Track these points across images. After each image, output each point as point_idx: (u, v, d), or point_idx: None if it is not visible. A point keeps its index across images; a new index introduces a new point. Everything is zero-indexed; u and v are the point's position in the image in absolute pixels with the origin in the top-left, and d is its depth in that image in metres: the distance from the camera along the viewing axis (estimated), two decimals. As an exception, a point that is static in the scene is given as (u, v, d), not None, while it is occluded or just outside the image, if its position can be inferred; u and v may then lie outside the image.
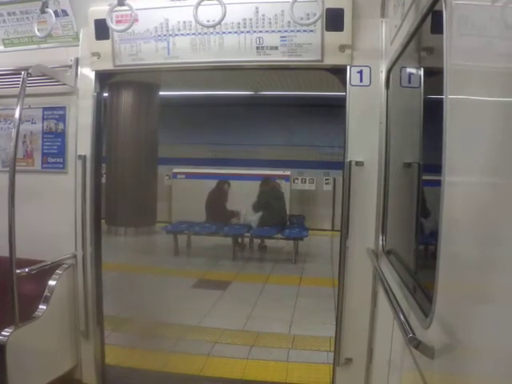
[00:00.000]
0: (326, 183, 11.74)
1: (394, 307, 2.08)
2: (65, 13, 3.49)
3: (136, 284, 6.24)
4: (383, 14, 3.16)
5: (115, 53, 3.41)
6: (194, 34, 3.26)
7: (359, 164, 3.14)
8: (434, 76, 2.51)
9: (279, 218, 9.92)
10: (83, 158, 3.53)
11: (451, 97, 1.54)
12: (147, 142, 9.87)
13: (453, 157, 1.50)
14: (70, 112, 3.65)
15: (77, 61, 3.58)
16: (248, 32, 3.20)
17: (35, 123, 3.73)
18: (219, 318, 5.42)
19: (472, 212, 1.33)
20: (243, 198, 10.19)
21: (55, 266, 3.49)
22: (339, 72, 3.25)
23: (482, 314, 1.20)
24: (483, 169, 1.27)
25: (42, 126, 3.72)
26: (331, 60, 3.17)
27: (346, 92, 3.20)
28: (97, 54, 3.47)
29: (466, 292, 1.35)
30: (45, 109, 3.71)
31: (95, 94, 3.56)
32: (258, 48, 3.22)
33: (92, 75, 3.56)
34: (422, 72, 2.75)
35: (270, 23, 3.16)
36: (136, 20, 3.11)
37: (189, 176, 12.10)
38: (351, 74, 3.17)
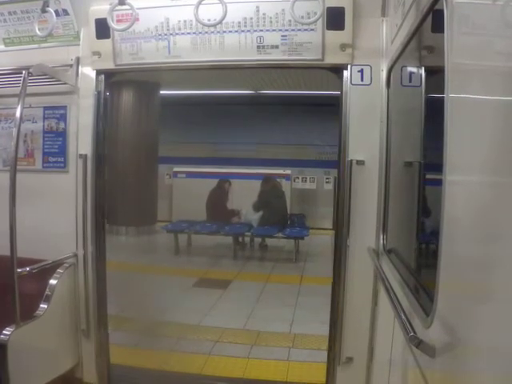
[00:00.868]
0: (327, 182, 11.74)
1: (395, 306, 2.08)
2: (65, 12, 3.49)
3: (136, 283, 6.24)
4: (384, 13, 3.16)
5: (116, 52, 3.41)
6: (194, 33, 3.26)
7: (360, 163, 3.15)
8: (435, 75, 2.51)
9: (280, 217, 9.92)
10: (84, 158, 3.53)
11: (452, 96, 1.54)
12: (148, 141, 9.86)
13: (454, 156, 1.50)
14: (70, 111, 3.65)
15: (77, 60, 3.58)
16: (249, 31, 3.20)
17: (36, 122, 3.73)
18: (220, 316, 5.43)
19: (473, 211, 1.33)
20: (244, 197, 10.18)
21: (56, 265, 3.50)
22: (340, 71, 3.25)
23: (484, 313, 1.20)
24: (484, 168, 1.27)
25: (43, 126, 3.72)
26: (332, 59, 3.17)
27: (347, 91, 3.20)
28: (97, 53, 3.46)
29: (467, 291, 1.35)
30: (46, 108, 3.71)
31: (96, 93, 3.56)
32: (258, 47, 3.22)
33: (93, 74, 3.56)
34: (422, 71, 2.75)
35: (270, 22, 3.16)
36: (137, 19, 3.11)
37: (189, 175, 12.10)
38: (352, 73, 3.17)
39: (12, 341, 2.97)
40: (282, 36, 3.17)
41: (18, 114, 3.08)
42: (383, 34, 3.15)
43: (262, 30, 3.18)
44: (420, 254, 2.63)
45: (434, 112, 2.36)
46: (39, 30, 3.22)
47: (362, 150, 3.16)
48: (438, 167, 1.64)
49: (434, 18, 2.04)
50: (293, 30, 3.14)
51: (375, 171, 3.15)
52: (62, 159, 3.68)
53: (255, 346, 4.51)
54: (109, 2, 3.11)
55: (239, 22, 3.19)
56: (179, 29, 3.28)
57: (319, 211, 11.59)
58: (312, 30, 3.11)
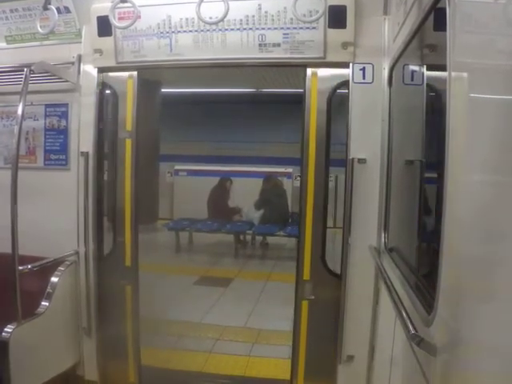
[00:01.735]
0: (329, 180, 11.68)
1: (396, 304, 2.08)
2: (67, 10, 3.49)
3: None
4: (386, 12, 3.15)
5: (117, 49, 3.41)
6: (196, 30, 3.26)
7: (361, 161, 3.15)
8: (437, 73, 2.51)
9: (281, 216, 9.90)
10: (85, 155, 3.53)
11: (454, 94, 1.54)
12: (149, 139, 9.84)
13: (455, 154, 1.50)
14: (72, 109, 3.66)
15: (79, 58, 3.58)
16: (250, 29, 3.20)
17: (37, 120, 3.73)
18: (221, 314, 5.43)
19: (474, 209, 1.33)
20: (245, 195, 10.17)
21: (57, 262, 3.50)
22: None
23: (485, 312, 1.20)
24: (486, 166, 1.27)
25: (45, 123, 3.72)
26: (334, 57, 3.17)
27: (348, 89, 3.20)
28: (99, 51, 3.46)
29: (469, 289, 1.35)
30: (47, 106, 3.71)
31: (97, 90, 3.56)
32: (260, 45, 3.21)
33: (94, 72, 3.56)
34: (424, 69, 2.74)
35: (272, 20, 3.16)
36: (138, 17, 3.11)
37: (190, 173, 12.07)
38: (354, 72, 3.17)
39: (13, 338, 2.98)
40: (284, 34, 3.17)
41: (19, 111, 3.08)
42: (385, 33, 3.14)
43: (263, 28, 3.18)
44: (421, 253, 2.62)
45: (436, 110, 2.36)
46: (41, 27, 3.21)
47: (364, 149, 3.16)
48: (439, 166, 1.64)
49: (436, 17, 2.04)
50: (295, 28, 3.14)
51: (377, 169, 3.15)
52: (64, 157, 3.68)
53: (256, 343, 4.52)
54: (111, 0, 3.11)
55: (241, 20, 3.18)
56: (181, 26, 3.27)
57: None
58: (314, 28, 3.11)
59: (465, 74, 1.51)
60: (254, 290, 6.39)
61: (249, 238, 9.79)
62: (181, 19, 3.26)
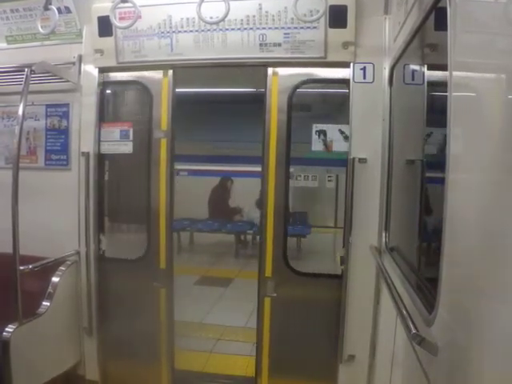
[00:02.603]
0: (329, 180, 11.70)
1: (398, 304, 2.08)
2: (68, 10, 3.50)
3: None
4: (387, 11, 3.16)
5: (118, 49, 3.42)
6: (197, 30, 3.27)
7: (362, 161, 3.15)
8: (438, 73, 2.51)
9: (282, 215, 9.88)
10: (86, 155, 3.53)
11: (455, 94, 1.54)
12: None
13: (456, 154, 1.50)
14: (73, 109, 3.66)
15: (80, 58, 3.59)
16: (251, 29, 3.20)
17: (38, 120, 3.74)
18: (222, 314, 5.43)
19: (476, 208, 1.33)
20: (246, 195, 10.17)
21: (58, 262, 3.51)
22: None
23: (486, 311, 1.20)
24: (487, 166, 1.27)
25: (46, 123, 3.73)
26: (334, 57, 3.17)
27: (349, 89, 3.20)
28: (100, 51, 3.47)
29: (470, 289, 1.34)
30: (48, 106, 3.71)
31: (98, 90, 3.56)
32: (261, 45, 3.22)
33: (95, 72, 3.56)
34: (425, 69, 2.74)
35: (273, 20, 3.16)
36: (139, 17, 3.11)
37: (191, 173, 12.07)
38: (354, 71, 3.17)
39: (14, 338, 2.98)
40: (285, 34, 3.17)
41: (20, 111, 3.08)
42: (386, 32, 3.15)
43: (264, 28, 3.18)
44: (422, 252, 2.62)
45: (437, 110, 2.36)
46: (42, 27, 3.21)
47: (365, 148, 3.16)
48: (440, 165, 1.64)
49: (437, 16, 2.04)
50: (295, 27, 3.14)
51: (377, 169, 3.15)
52: (65, 157, 3.68)
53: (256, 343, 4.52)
54: (111, 0, 3.11)
55: (242, 20, 3.19)
56: (182, 26, 3.28)
57: (321, 209, 11.54)
58: (315, 27, 3.11)
59: (466, 74, 1.51)
60: (254, 290, 6.38)
61: (249, 237, 9.79)
62: (181, 19, 3.26)
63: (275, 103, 3.38)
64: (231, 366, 4.04)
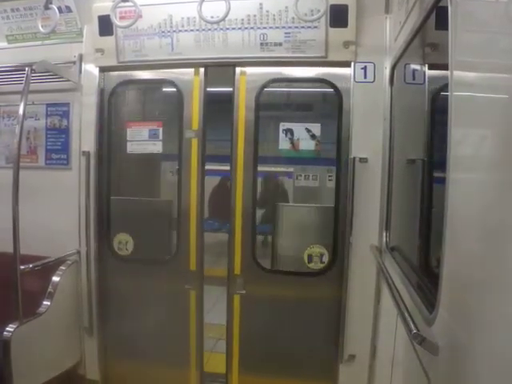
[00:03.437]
0: (329, 180, 11.69)
1: (398, 304, 2.08)
2: (68, 9, 3.50)
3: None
4: (387, 10, 3.15)
5: (119, 49, 3.42)
6: (197, 30, 3.26)
7: (363, 160, 3.14)
8: (439, 72, 2.51)
9: (282, 215, 9.87)
10: (87, 154, 3.53)
11: (456, 93, 1.54)
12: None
13: (457, 153, 1.50)
14: (73, 108, 3.66)
15: (80, 57, 3.59)
16: (252, 28, 3.20)
17: (39, 119, 3.74)
18: (222, 314, 5.41)
19: (477, 208, 1.33)
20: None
21: (59, 262, 3.51)
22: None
23: (487, 311, 1.20)
24: (487, 165, 1.27)
25: (46, 123, 3.73)
26: (335, 56, 3.17)
27: (350, 88, 3.20)
28: (100, 51, 3.47)
29: (471, 289, 1.34)
30: (48, 105, 3.71)
31: (99, 90, 3.56)
32: (261, 44, 3.21)
33: (96, 71, 3.56)
34: (426, 68, 2.74)
35: (274, 19, 3.16)
36: (140, 16, 3.10)
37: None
38: (355, 71, 3.17)
39: (15, 338, 2.98)
40: (286, 33, 3.17)
41: (20, 111, 3.08)
42: (387, 32, 3.14)
43: (265, 28, 3.18)
44: (423, 252, 2.62)
45: (438, 109, 2.36)
46: (42, 26, 3.21)
47: (365, 148, 3.16)
48: (441, 165, 1.64)
49: (438, 15, 2.04)
50: (296, 27, 3.14)
51: (378, 169, 3.14)
52: (65, 156, 3.68)
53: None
54: (112, -1, 3.12)
55: (242, 19, 3.18)
56: (182, 26, 3.27)
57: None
58: (315, 27, 3.11)
59: (466, 73, 1.51)
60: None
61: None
62: (182, 18, 3.26)
63: (243, 103, 3.41)
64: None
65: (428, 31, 2.36)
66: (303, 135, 3.37)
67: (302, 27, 3.13)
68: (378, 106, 3.14)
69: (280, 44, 3.20)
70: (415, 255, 2.64)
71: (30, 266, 3.14)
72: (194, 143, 3.49)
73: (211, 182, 10.49)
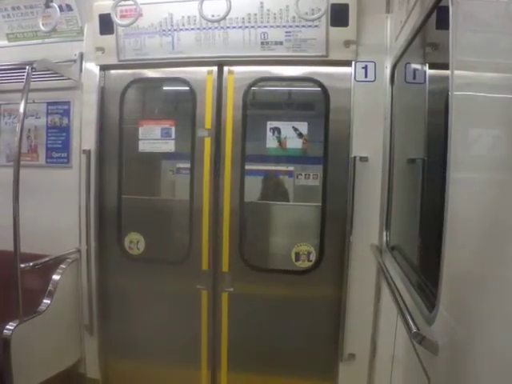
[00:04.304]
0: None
1: (398, 303, 2.08)
2: (69, 7, 3.50)
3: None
4: (388, 10, 3.15)
5: (119, 47, 3.41)
6: (198, 28, 3.26)
7: (363, 159, 3.14)
8: (439, 72, 2.51)
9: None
10: (87, 153, 3.53)
11: (456, 93, 1.54)
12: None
13: (457, 153, 1.50)
14: (74, 107, 3.66)
15: (81, 55, 3.59)
16: (253, 27, 3.19)
17: (39, 118, 3.73)
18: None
19: (477, 207, 1.33)
20: (246, 193, 10.15)
21: (59, 260, 3.50)
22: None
23: (487, 310, 1.20)
24: (488, 165, 1.27)
25: (47, 121, 3.73)
26: (336, 55, 3.17)
27: (351, 87, 3.19)
28: (101, 49, 3.47)
29: (471, 288, 1.34)
30: (49, 103, 3.71)
31: (99, 88, 3.56)
32: (262, 43, 3.21)
33: (96, 70, 3.55)
34: (426, 68, 2.74)
35: (274, 18, 3.15)
36: (140, 15, 3.10)
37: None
38: (356, 70, 3.17)
39: (15, 336, 2.98)
40: (286, 32, 3.17)
41: (21, 109, 3.08)
42: (387, 31, 3.14)
43: (266, 26, 3.18)
44: (423, 251, 2.62)
45: (438, 109, 2.36)
46: (43, 25, 3.22)
47: (366, 147, 3.16)
48: (441, 164, 1.64)
49: (439, 15, 2.04)
50: (297, 26, 3.14)
51: (379, 168, 3.14)
52: (66, 155, 3.68)
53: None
54: (113, -2, 3.11)
55: (243, 18, 3.18)
56: (183, 24, 3.27)
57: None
58: (316, 26, 3.11)
59: (467, 73, 1.51)
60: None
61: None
62: (183, 17, 3.26)
63: (231, 101, 3.42)
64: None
65: (429, 31, 2.36)
66: (290, 134, 3.41)
67: (303, 26, 3.13)
68: (378, 105, 3.14)
69: (281, 43, 3.20)
70: (415, 254, 2.64)
71: (31, 264, 3.14)
72: (207, 142, 3.48)
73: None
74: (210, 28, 3.24)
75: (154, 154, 3.69)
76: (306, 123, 3.39)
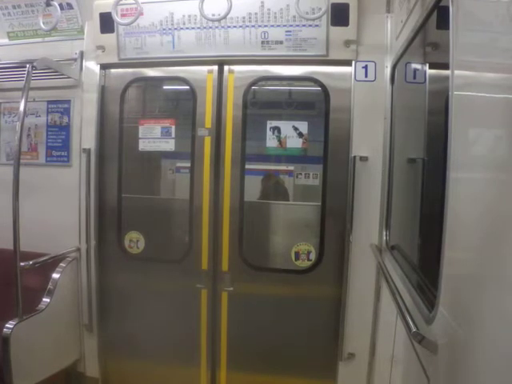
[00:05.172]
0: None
1: (398, 302, 2.08)
2: (70, 6, 3.50)
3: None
4: (389, 9, 3.15)
5: (120, 46, 3.41)
6: (199, 27, 3.26)
7: (363, 159, 3.14)
8: (439, 72, 2.51)
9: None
10: (87, 152, 3.53)
11: (457, 93, 1.54)
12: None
13: (457, 152, 1.50)
14: (74, 105, 3.66)
15: (81, 54, 3.59)
16: (253, 26, 3.19)
17: (40, 116, 3.73)
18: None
19: (476, 207, 1.33)
20: (246, 192, 10.14)
21: (59, 259, 3.50)
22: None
23: (486, 310, 1.20)
24: (487, 164, 1.27)
25: (47, 120, 3.73)
26: (336, 55, 3.17)
27: (351, 87, 3.19)
28: (101, 48, 3.47)
29: (470, 287, 1.35)
30: (49, 102, 3.71)
31: (100, 87, 3.56)
32: (263, 42, 3.21)
33: (97, 68, 3.55)
34: (427, 67, 2.74)
35: (275, 18, 3.15)
36: (141, 13, 3.11)
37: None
38: (356, 69, 3.17)
39: (14, 334, 2.98)
40: (287, 32, 3.17)
41: (21, 107, 3.07)
42: (388, 31, 3.14)
43: (266, 26, 3.18)
44: (423, 251, 2.62)
45: (438, 109, 2.36)
46: (43, 23, 3.22)
47: (366, 146, 3.16)
48: (441, 164, 1.64)
49: (439, 15, 2.04)
50: (297, 25, 3.14)
51: (379, 167, 3.15)
52: (66, 153, 3.68)
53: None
54: (113, -4, 3.11)
55: (244, 18, 3.18)
56: (184, 23, 3.27)
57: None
58: (316, 25, 3.11)
59: (467, 73, 1.51)
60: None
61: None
62: (183, 16, 3.26)
63: (231, 100, 3.42)
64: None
65: (429, 30, 2.36)
66: (290, 133, 3.42)
67: (303, 25, 3.13)
68: (378, 104, 3.14)
69: (281, 42, 3.20)
70: (415, 254, 2.64)
71: (30, 262, 3.14)
72: (207, 141, 3.48)
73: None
74: (211, 27, 3.24)
75: (154, 153, 3.70)
76: (306, 123, 3.39)
